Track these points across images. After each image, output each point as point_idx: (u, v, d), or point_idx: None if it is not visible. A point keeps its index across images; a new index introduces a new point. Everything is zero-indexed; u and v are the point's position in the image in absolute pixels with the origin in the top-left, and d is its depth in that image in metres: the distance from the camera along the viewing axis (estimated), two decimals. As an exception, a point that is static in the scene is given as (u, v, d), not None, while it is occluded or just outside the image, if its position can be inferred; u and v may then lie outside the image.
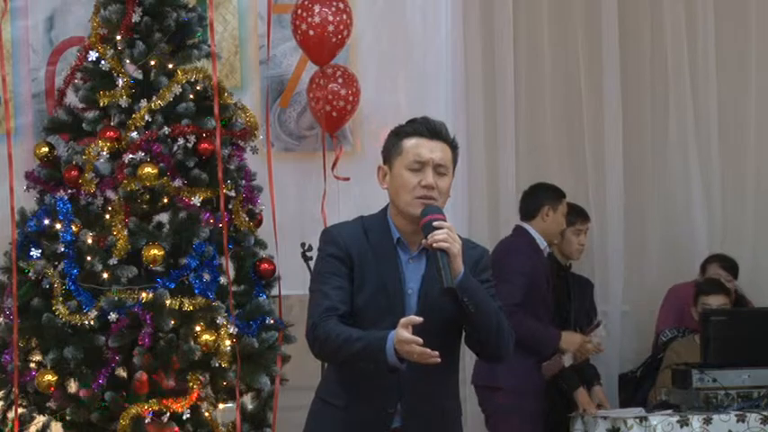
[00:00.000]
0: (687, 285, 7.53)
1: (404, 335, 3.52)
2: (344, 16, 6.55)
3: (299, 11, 6.51)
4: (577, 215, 6.69)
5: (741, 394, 6.22)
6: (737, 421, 6.05)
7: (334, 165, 6.73)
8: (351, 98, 6.78)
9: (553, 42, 7.96)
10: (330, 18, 6.48)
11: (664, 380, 6.67)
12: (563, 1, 7.99)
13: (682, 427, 5.99)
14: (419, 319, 3.56)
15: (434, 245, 3.63)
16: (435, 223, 3.66)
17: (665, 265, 7.76)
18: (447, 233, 3.65)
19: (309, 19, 6.46)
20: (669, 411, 6.14)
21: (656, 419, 5.98)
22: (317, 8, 6.48)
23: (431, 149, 3.79)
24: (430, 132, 3.82)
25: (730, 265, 7.48)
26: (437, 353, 3.53)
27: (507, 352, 3.84)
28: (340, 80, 6.75)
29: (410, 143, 3.81)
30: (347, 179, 6.71)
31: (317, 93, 6.72)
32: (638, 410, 6.27)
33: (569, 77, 7.97)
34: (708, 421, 6.02)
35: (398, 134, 3.86)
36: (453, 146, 3.87)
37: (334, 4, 6.53)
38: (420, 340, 3.52)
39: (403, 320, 3.55)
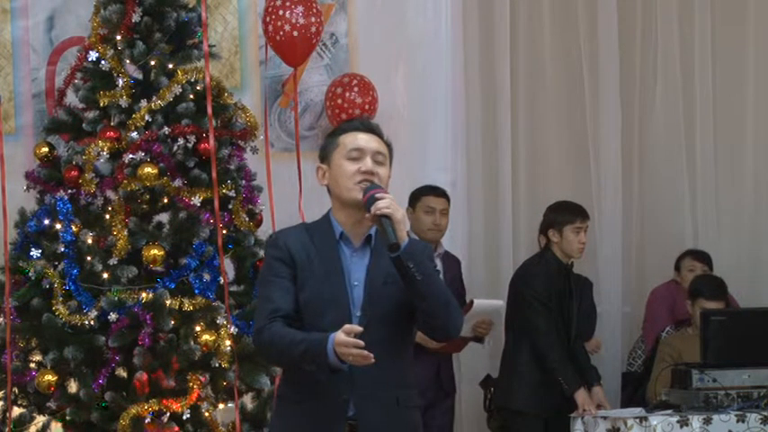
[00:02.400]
0: (667, 285, 7.58)
1: (342, 338, 3.61)
2: (320, 18, 6.57)
3: (281, 11, 6.46)
4: (576, 214, 6.68)
5: (741, 394, 6.20)
6: (737, 421, 6.04)
7: None
8: (367, 106, 6.82)
9: (552, 43, 7.95)
10: (312, 19, 6.48)
11: (662, 377, 6.66)
12: (562, 0, 7.99)
13: (682, 427, 5.98)
14: (359, 329, 3.64)
15: (378, 212, 3.73)
16: (378, 194, 3.77)
17: (665, 266, 7.76)
18: (390, 201, 3.76)
19: (294, 20, 6.44)
20: (669, 411, 6.12)
21: (656, 419, 5.97)
22: (300, 9, 6.46)
23: (367, 140, 3.91)
24: (365, 127, 3.96)
25: (704, 257, 7.50)
26: (372, 354, 3.61)
27: (458, 328, 3.91)
28: (356, 89, 6.80)
29: (347, 137, 3.93)
30: None
31: (334, 101, 6.77)
32: (638, 410, 6.26)
33: (568, 78, 7.97)
34: (708, 421, 6.00)
35: (335, 133, 4.00)
36: (388, 144, 3.99)
37: (313, 6, 6.53)
38: (360, 342, 3.60)
39: (345, 327, 3.63)
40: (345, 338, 3.60)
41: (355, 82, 6.87)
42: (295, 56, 6.55)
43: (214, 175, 5.49)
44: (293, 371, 3.87)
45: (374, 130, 3.95)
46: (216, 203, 5.49)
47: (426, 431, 4.08)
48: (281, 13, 6.44)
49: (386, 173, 3.91)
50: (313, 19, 6.46)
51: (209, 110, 5.53)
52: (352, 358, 3.61)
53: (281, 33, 6.44)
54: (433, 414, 6.48)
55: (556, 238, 6.60)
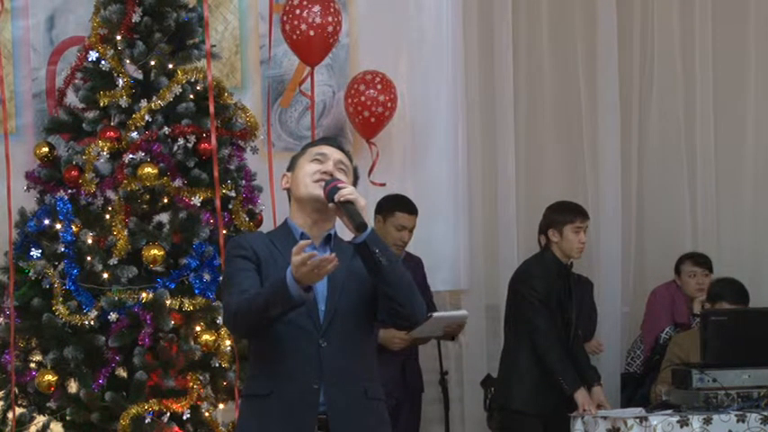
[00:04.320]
0: (667, 285, 7.56)
1: (296, 259, 3.64)
2: (339, 17, 6.57)
3: (297, 11, 6.49)
4: (576, 213, 6.68)
5: (741, 394, 6.20)
6: (737, 421, 6.03)
7: (371, 170, 6.79)
8: (389, 104, 6.84)
9: (551, 42, 7.95)
10: (330, 19, 6.49)
11: (665, 377, 6.66)
12: (562, 1, 7.99)
13: (682, 427, 5.98)
14: (308, 241, 3.71)
15: (342, 198, 3.82)
16: (340, 185, 3.87)
17: (664, 266, 7.76)
18: (353, 189, 3.88)
19: (310, 19, 6.45)
20: (669, 411, 6.12)
21: (656, 419, 5.97)
22: (316, 8, 6.47)
23: (332, 150, 4.04)
24: (333, 144, 4.10)
25: (704, 261, 7.49)
26: (333, 255, 3.66)
27: (422, 314, 3.97)
28: (379, 86, 6.81)
29: (314, 147, 4.08)
30: (383, 185, 6.77)
31: (356, 98, 6.77)
32: (638, 410, 6.26)
33: (568, 77, 7.97)
34: (708, 421, 6.00)
35: (304, 147, 4.15)
36: (354, 167, 4.11)
37: (331, 5, 6.54)
38: (313, 252, 3.65)
39: (294, 249, 3.66)
40: (299, 258, 3.62)
41: (378, 79, 6.89)
42: (312, 55, 6.55)
43: (216, 174, 5.49)
44: (263, 365, 3.90)
45: (342, 148, 4.08)
46: (218, 203, 5.49)
47: (393, 430, 4.09)
48: (297, 12, 6.46)
49: (347, 180, 3.98)
50: (330, 18, 6.48)
51: (212, 109, 5.53)
52: (317, 271, 3.63)
53: (298, 32, 6.45)
54: (400, 413, 6.45)
55: (556, 238, 6.59)
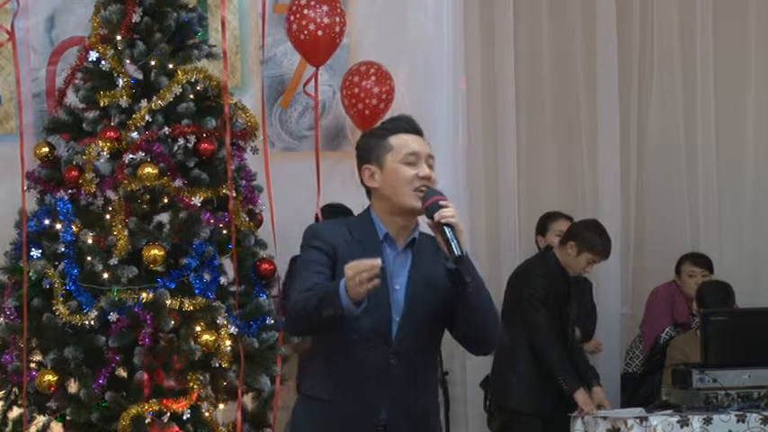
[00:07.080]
0: (667, 285, 7.56)
1: (349, 271, 3.49)
2: (344, 17, 6.57)
3: (305, 10, 6.47)
4: (604, 251, 6.50)
5: (741, 394, 6.21)
6: (737, 421, 6.04)
7: None
8: (384, 96, 6.79)
9: (552, 42, 7.96)
10: (337, 19, 6.48)
11: (668, 379, 6.67)
12: (562, 1, 7.99)
13: (682, 427, 5.98)
14: (378, 262, 3.51)
15: (443, 220, 3.64)
16: (442, 202, 3.69)
17: (664, 266, 7.76)
18: (454, 210, 3.69)
19: (318, 19, 6.43)
20: (669, 411, 6.13)
21: (656, 419, 5.98)
22: (324, 8, 6.46)
23: (419, 144, 3.85)
24: (413, 128, 3.88)
25: (703, 261, 7.50)
26: (378, 260, 3.50)
27: (497, 342, 3.88)
28: (373, 78, 6.77)
29: (398, 139, 3.84)
30: None
31: (351, 90, 6.74)
32: (638, 410, 6.26)
33: (567, 78, 7.97)
34: (708, 421, 6.01)
35: (381, 134, 3.90)
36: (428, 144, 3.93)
37: (338, 6, 6.53)
38: (367, 262, 3.49)
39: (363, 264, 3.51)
40: (353, 269, 3.47)
41: (373, 71, 6.83)
42: (319, 55, 6.54)
43: (229, 174, 5.47)
44: (328, 370, 3.79)
45: (420, 132, 3.89)
46: (231, 204, 5.48)
47: None
48: (305, 12, 6.43)
49: (435, 175, 3.85)
50: (337, 18, 6.46)
51: (227, 109, 5.51)
52: (359, 288, 3.46)
53: (306, 32, 6.42)
54: None
55: (571, 251, 6.52)
